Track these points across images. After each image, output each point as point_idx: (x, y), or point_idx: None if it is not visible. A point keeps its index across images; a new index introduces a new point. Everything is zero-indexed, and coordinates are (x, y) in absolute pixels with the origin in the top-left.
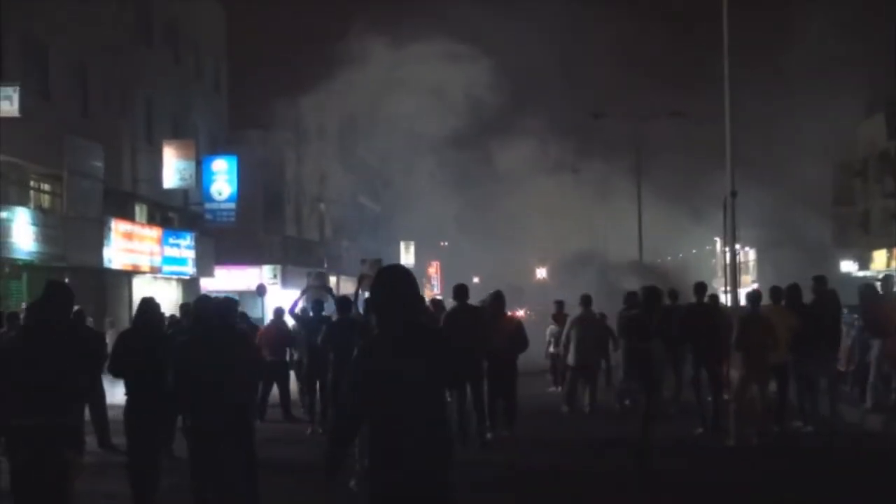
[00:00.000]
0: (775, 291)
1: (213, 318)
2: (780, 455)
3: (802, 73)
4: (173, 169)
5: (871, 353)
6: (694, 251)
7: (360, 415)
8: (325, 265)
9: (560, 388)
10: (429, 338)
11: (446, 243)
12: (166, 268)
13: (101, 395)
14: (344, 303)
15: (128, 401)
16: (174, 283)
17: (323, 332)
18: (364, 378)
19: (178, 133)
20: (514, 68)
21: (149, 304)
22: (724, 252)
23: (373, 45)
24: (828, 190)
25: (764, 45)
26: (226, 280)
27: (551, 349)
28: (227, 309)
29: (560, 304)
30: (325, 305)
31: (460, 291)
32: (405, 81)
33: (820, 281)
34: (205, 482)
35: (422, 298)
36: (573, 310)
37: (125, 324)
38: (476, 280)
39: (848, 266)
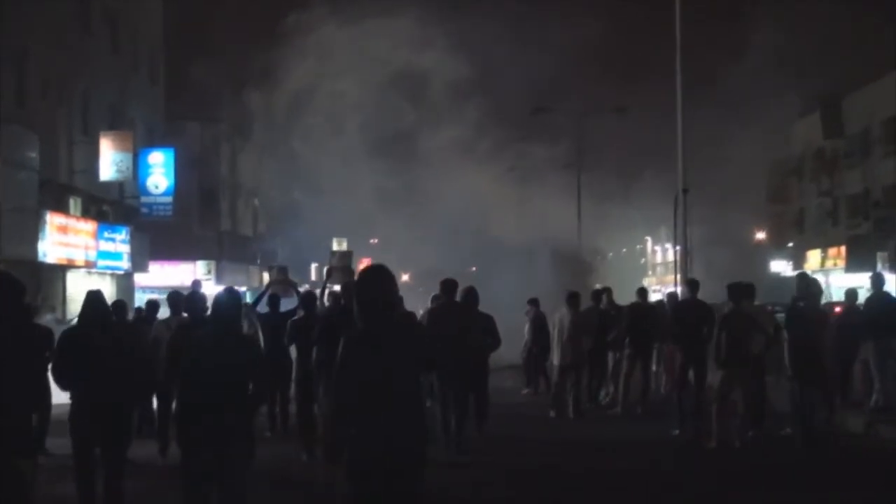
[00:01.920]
0: (748, 288)
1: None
2: (762, 457)
3: (737, 72)
4: (110, 161)
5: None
6: (624, 250)
7: (354, 398)
8: (259, 261)
9: (530, 390)
10: (406, 330)
11: (377, 240)
12: (101, 262)
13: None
14: (309, 299)
15: (77, 402)
16: (108, 279)
17: (288, 330)
18: (352, 365)
19: (115, 125)
20: (454, 63)
21: (97, 298)
22: (655, 251)
23: (308, 38)
24: (763, 188)
25: (698, 43)
26: (160, 276)
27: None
28: (238, 304)
29: (534, 302)
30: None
31: (451, 287)
32: (341, 76)
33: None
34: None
35: (400, 296)
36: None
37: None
38: (406, 277)
39: (780, 266)
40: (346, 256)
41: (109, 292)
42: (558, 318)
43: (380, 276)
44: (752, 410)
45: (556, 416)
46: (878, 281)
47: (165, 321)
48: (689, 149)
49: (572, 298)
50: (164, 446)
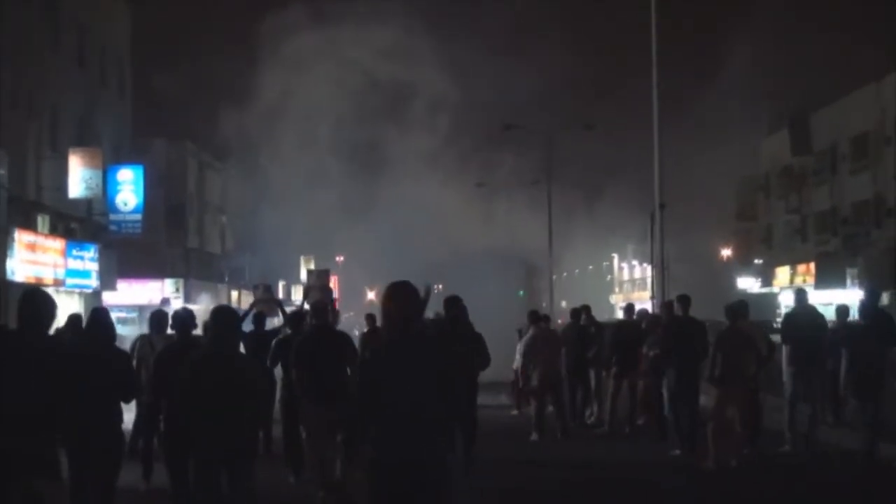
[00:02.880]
0: (743, 306)
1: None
2: (761, 476)
3: (705, 90)
4: (79, 177)
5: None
6: (590, 267)
7: (374, 404)
8: (226, 278)
9: (519, 411)
10: (427, 343)
11: (342, 258)
12: (70, 280)
13: None
14: (296, 318)
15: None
16: (77, 297)
17: (272, 349)
18: (377, 375)
19: (83, 140)
20: (424, 81)
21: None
22: (622, 268)
23: (276, 55)
24: (731, 205)
25: (667, 61)
26: (128, 294)
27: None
28: (236, 321)
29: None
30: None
31: (456, 304)
32: (310, 93)
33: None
34: None
35: (422, 311)
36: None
37: None
38: (371, 296)
39: (748, 283)
40: (324, 275)
41: (78, 311)
42: (528, 337)
43: (403, 292)
44: (747, 429)
45: (539, 439)
46: (801, 297)
47: (146, 338)
48: (665, 164)
49: (534, 315)
50: (147, 469)
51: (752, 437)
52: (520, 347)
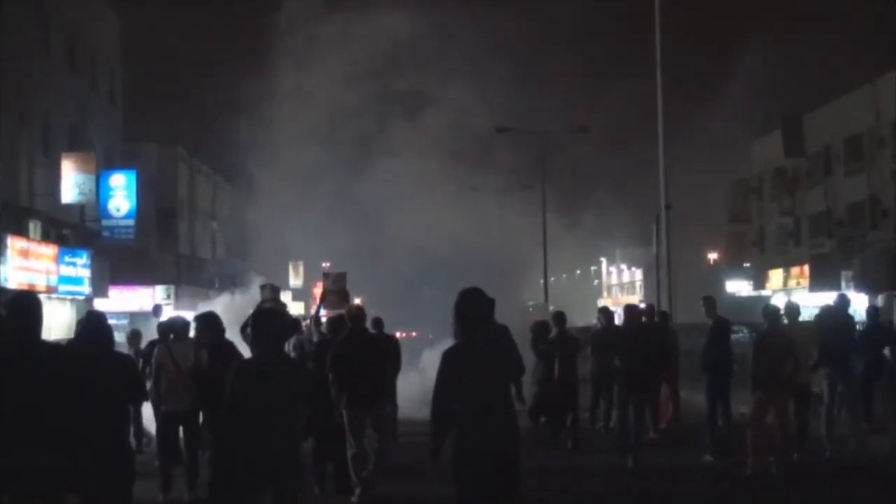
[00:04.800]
0: (793, 309)
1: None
2: (801, 484)
3: (699, 90)
4: (72, 183)
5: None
6: (578, 271)
7: (454, 401)
8: (217, 284)
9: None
10: (498, 344)
11: (329, 264)
12: (62, 287)
13: None
14: (338, 323)
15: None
16: (69, 304)
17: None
18: (455, 372)
19: (75, 145)
20: (414, 84)
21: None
22: (611, 272)
23: (267, 58)
24: (722, 208)
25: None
26: (119, 301)
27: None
28: (286, 325)
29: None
30: None
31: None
32: (301, 97)
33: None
34: None
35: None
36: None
37: None
38: (357, 301)
39: (738, 286)
40: (341, 279)
41: (69, 318)
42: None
43: (475, 296)
44: (790, 434)
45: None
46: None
47: (164, 345)
48: (657, 167)
49: (559, 318)
50: (166, 483)
51: (799, 443)
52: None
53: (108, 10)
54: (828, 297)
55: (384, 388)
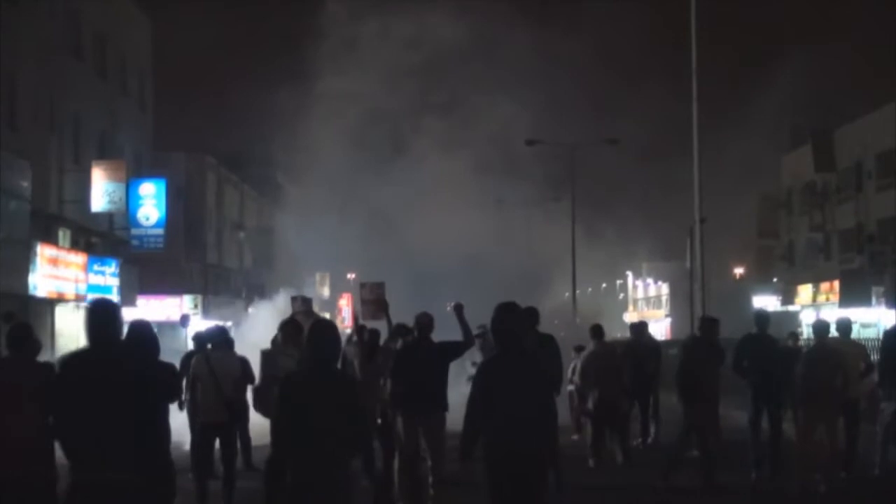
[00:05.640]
0: (844, 324)
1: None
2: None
3: (728, 104)
4: (102, 191)
5: None
6: (604, 285)
7: (486, 412)
8: (244, 294)
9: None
10: (535, 359)
11: (354, 275)
12: (91, 296)
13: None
14: (401, 331)
15: None
16: None
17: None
18: (491, 383)
19: (105, 153)
20: (441, 97)
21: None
22: (636, 286)
23: (296, 70)
24: (749, 221)
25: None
26: (146, 310)
27: (570, 387)
28: (338, 337)
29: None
30: None
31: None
32: (327, 107)
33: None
34: None
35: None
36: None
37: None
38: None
39: (766, 301)
40: (379, 288)
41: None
42: (588, 353)
43: (510, 311)
44: (839, 451)
45: (596, 464)
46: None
47: (202, 356)
48: (688, 181)
49: (597, 331)
50: (202, 495)
51: (848, 461)
52: (577, 365)
53: (139, 16)
54: (859, 314)
55: (443, 399)
